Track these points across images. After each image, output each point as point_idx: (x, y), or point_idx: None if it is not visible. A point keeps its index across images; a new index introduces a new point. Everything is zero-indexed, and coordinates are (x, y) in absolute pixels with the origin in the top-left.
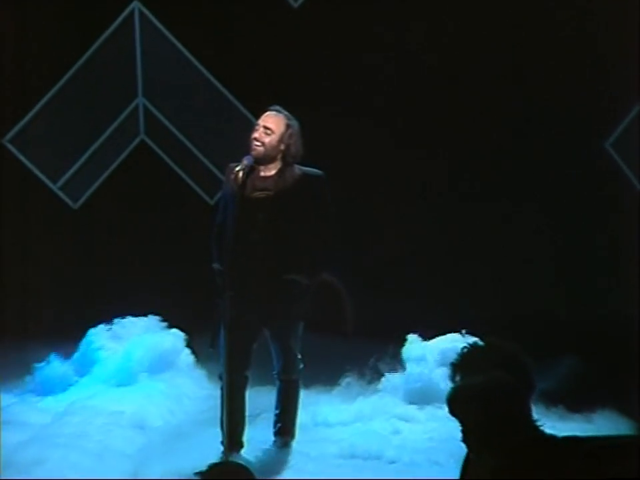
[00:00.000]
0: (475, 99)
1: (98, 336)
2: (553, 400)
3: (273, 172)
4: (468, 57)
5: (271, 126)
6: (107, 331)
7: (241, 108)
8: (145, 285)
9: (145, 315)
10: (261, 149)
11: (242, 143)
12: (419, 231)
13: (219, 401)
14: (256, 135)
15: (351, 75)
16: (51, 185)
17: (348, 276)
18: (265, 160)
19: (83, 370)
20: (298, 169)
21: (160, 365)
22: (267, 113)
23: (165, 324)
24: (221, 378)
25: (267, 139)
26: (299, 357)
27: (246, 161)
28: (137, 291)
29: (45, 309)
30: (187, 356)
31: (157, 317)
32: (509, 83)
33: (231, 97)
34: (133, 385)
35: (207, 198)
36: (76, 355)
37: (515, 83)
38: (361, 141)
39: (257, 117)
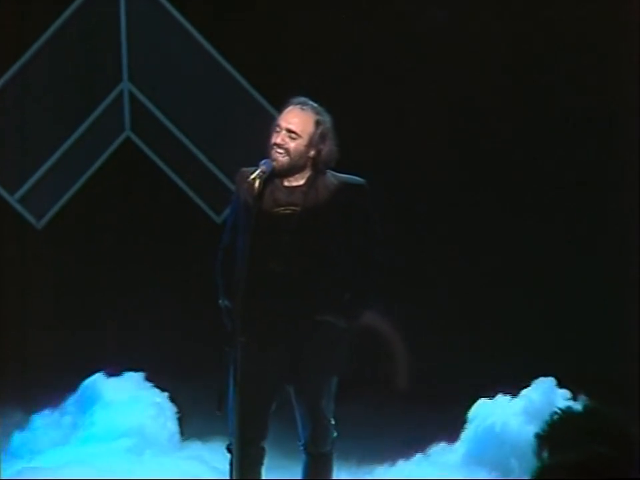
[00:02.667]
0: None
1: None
2: None
3: (300, 181)
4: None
5: (296, 127)
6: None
7: (257, 96)
8: (130, 327)
9: (122, 370)
10: (285, 158)
11: (258, 142)
12: (486, 258)
13: None
14: (277, 139)
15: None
16: (7, 196)
17: (398, 316)
18: (290, 171)
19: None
20: (332, 177)
21: (140, 440)
22: (290, 108)
23: (148, 384)
24: (229, 450)
25: (291, 145)
26: (332, 422)
27: (264, 166)
28: (119, 336)
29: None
30: (176, 426)
31: (138, 374)
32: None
33: (243, 82)
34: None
35: (212, 214)
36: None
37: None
38: (404, 140)
39: (278, 107)
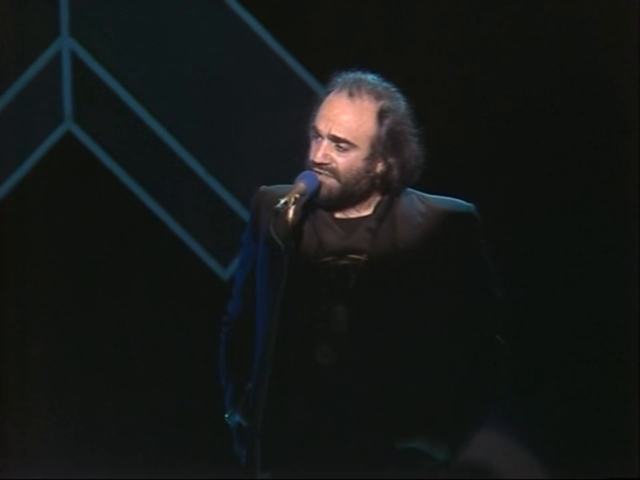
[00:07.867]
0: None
1: None
2: None
3: (364, 211)
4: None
5: (346, 132)
6: None
7: (289, 60)
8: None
9: None
10: (331, 181)
11: (289, 140)
12: None
13: None
14: (317, 156)
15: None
16: None
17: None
18: (344, 201)
19: None
20: (418, 200)
21: None
22: (331, 98)
23: None
24: None
25: (339, 160)
26: None
27: (303, 183)
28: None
29: None
30: None
31: None
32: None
33: (263, 35)
34: None
35: (213, 265)
36: None
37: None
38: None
39: (322, 78)
